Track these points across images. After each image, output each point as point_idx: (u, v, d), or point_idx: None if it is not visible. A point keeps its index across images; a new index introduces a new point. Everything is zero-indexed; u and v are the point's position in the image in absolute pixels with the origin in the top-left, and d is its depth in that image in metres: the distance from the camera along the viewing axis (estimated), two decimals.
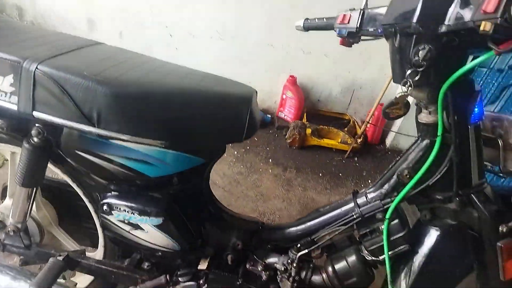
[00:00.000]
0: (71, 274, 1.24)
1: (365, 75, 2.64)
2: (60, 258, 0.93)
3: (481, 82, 1.98)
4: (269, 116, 2.83)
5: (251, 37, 2.49)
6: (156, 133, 0.79)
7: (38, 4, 2.57)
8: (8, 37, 0.84)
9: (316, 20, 0.88)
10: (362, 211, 0.86)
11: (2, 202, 1.10)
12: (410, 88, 0.66)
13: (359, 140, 2.58)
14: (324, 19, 0.86)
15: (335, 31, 0.82)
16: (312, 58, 2.58)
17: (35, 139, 0.83)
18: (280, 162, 2.45)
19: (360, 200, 0.89)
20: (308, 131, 2.56)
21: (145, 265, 1.01)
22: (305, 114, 2.74)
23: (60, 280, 1.02)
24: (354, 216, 0.87)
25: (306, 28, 0.90)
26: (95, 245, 1.12)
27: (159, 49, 2.51)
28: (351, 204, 0.90)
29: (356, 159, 2.59)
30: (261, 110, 2.82)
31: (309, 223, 0.97)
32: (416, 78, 0.64)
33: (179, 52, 2.57)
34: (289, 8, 2.37)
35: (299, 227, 0.99)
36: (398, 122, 2.67)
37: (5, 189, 1.24)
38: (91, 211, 1.03)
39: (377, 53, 2.47)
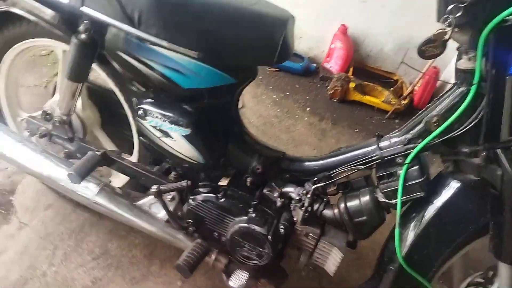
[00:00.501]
0: (107, 174, 1.37)
1: (422, 34, 2.45)
2: (98, 153, 1.02)
3: None
4: (314, 65, 2.76)
5: None
6: (191, 43, 0.81)
7: None
8: None
9: None
10: (382, 153, 0.86)
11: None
12: (451, 27, 0.62)
13: (403, 102, 2.48)
14: None
15: None
16: (368, 8, 2.43)
17: (83, 35, 0.88)
18: (317, 112, 2.43)
19: (383, 143, 0.89)
20: (352, 85, 2.49)
21: (172, 174, 1.09)
22: (351, 68, 2.64)
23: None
24: (374, 158, 0.87)
25: None
26: (131, 152, 1.21)
27: None
28: (374, 146, 0.90)
29: (397, 121, 2.51)
30: (307, 58, 2.75)
31: (329, 159, 0.99)
32: (458, 14, 0.60)
33: None
34: None
35: (318, 162, 1.00)
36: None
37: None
38: (129, 118, 1.11)
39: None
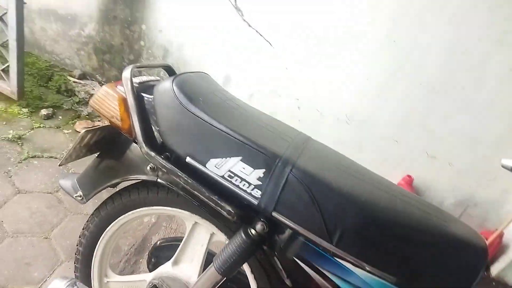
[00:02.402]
0: None
1: (484, 195, 2.45)
2: None
3: None
4: None
5: (378, 128, 2.45)
6: (390, 267, 0.72)
7: (184, 51, 2.79)
8: (255, 127, 0.85)
9: None
10: None
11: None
12: None
13: None
14: None
15: None
16: (435, 163, 2.46)
17: (254, 232, 0.79)
18: None
19: None
20: None
21: None
22: None
23: None
24: None
25: None
26: None
27: (282, 117, 2.55)
28: None
29: None
30: None
31: None
32: None
33: (301, 124, 2.60)
34: (426, 112, 2.33)
35: None
36: (510, 253, 2.40)
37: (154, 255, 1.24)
38: None
39: (504, 174, 2.30)
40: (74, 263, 1.18)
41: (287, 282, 0.86)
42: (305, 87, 2.55)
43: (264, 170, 0.75)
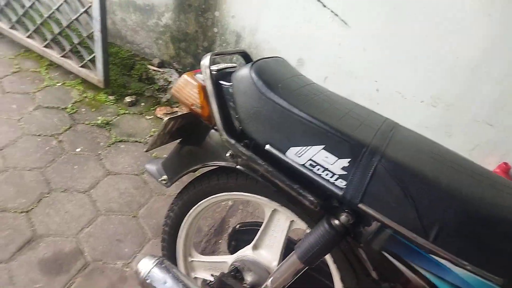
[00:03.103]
0: None
1: None
2: None
3: None
4: None
5: (470, 111, 2.21)
6: (497, 267, 0.63)
7: (257, 36, 2.78)
8: (341, 115, 0.80)
9: None
10: None
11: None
12: None
13: None
14: None
15: None
16: None
17: (337, 223, 0.76)
18: None
19: None
20: None
21: None
22: None
23: None
24: None
25: None
26: None
27: (359, 100, 2.42)
28: None
29: None
30: None
31: None
32: None
33: (380, 107, 2.44)
34: None
35: None
36: None
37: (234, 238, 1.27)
38: None
39: None
40: (161, 242, 1.26)
41: (373, 274, 0.82)
42: (385, 68, 2.38)
43: (349, 159, 0.70)
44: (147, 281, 0.99)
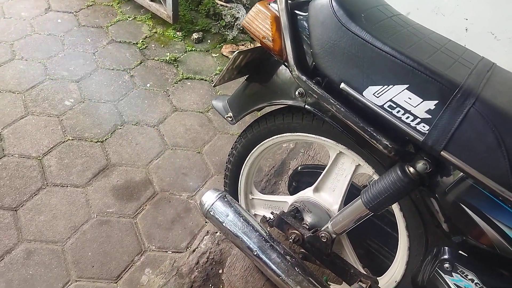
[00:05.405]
0: None
1: None
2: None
3: None
4: None
5: None
6: None
7: None
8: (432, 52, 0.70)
9: None
10: None
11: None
12: None
13: None
14: None
15: None
16: None
17: (412, 171, 0.71)
18: None
19: None
20: None
21: None
22: None
23: None
24: None
25: None
26: (378, 272, 1.02)
27: None
28: None
29: None
30: None
31: None
32: None
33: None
34: None
35: None
36: None
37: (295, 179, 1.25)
38: (401, 245, 0.91)
39: None
40: (224, 179, 1.30)
41: (444, 226, 0.77)
42: (478, 4, 2.08)
43: (436, 101, 0.63)
44: (211, 213, 1.03)
